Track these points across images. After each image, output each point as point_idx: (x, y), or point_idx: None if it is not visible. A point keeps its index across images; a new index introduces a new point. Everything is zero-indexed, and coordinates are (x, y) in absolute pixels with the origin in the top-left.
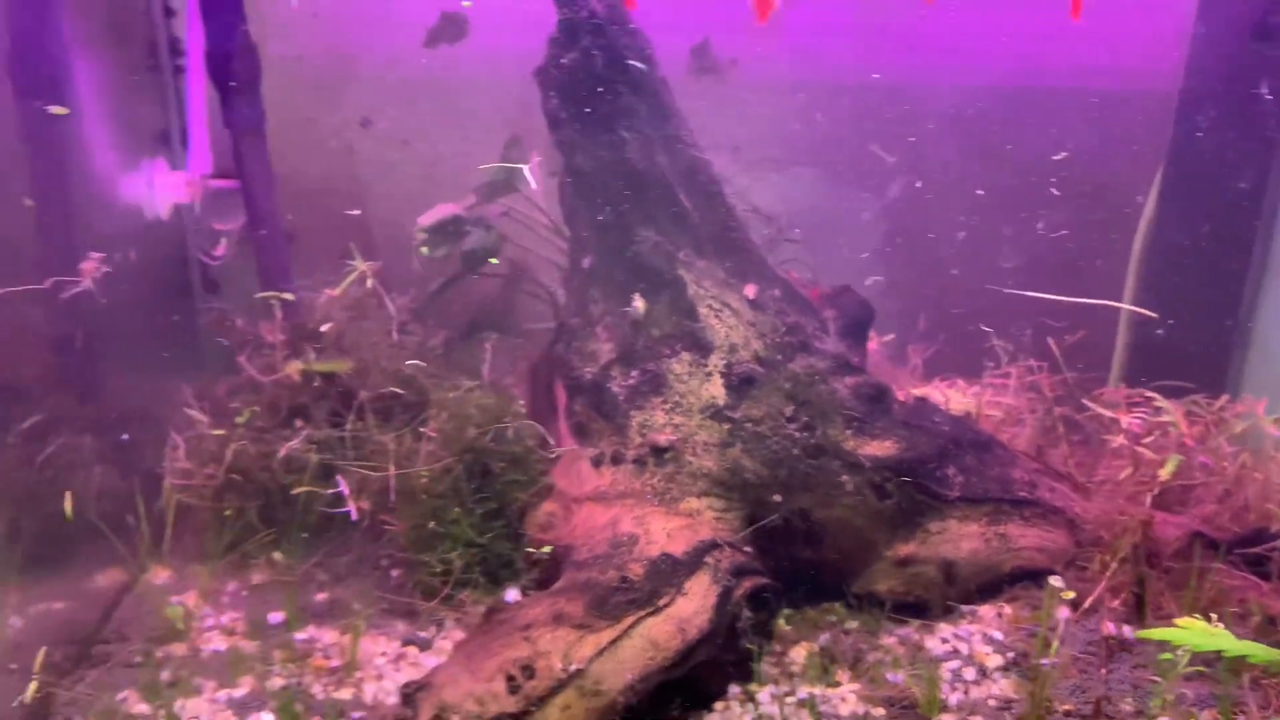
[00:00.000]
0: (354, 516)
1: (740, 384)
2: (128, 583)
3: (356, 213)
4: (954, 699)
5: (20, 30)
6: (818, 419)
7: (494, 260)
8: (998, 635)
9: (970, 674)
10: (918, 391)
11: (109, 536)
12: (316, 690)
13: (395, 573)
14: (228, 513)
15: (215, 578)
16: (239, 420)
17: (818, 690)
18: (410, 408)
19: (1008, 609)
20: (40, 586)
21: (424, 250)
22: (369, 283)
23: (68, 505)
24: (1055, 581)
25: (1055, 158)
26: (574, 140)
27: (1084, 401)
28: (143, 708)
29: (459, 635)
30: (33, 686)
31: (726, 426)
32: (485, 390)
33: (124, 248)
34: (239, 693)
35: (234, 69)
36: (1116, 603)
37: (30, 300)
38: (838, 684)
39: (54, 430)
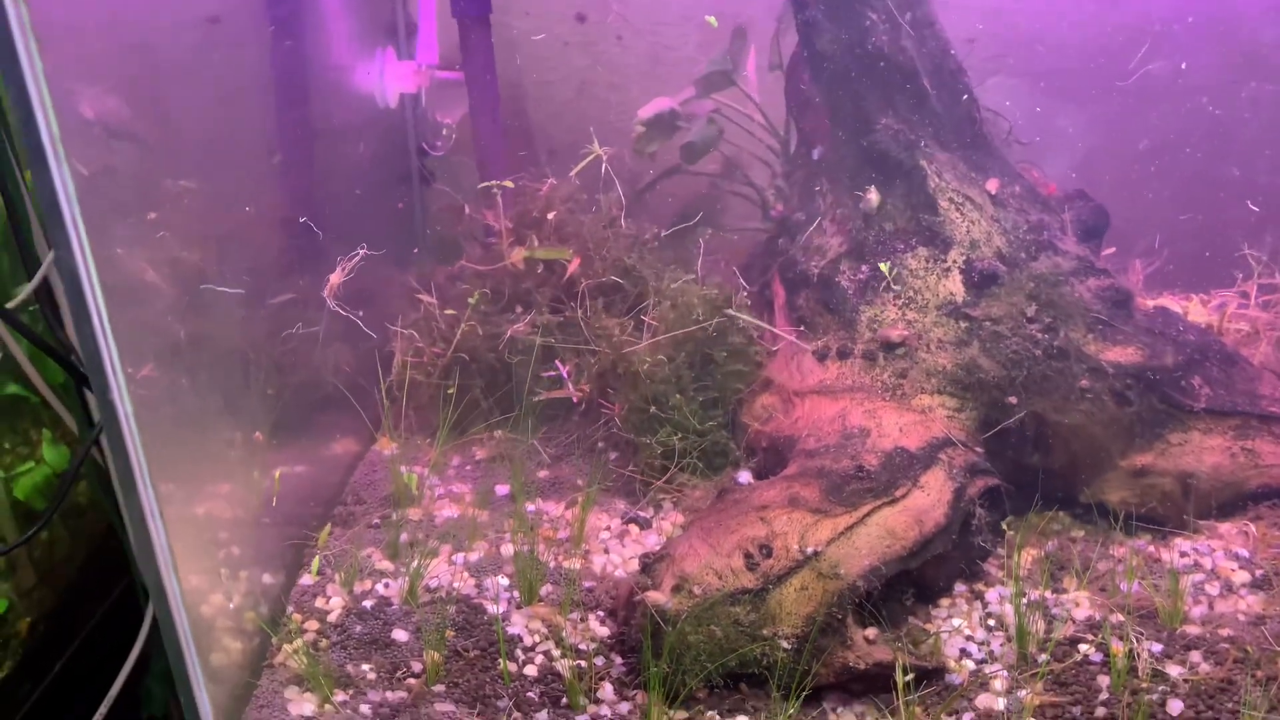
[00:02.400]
0: (575, 399)
1: (981, 281)
2: (360, 452)
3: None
4: (1197, 612)
5: None
6: (1060, 321)
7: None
8: (1243, 552)
9: (1214, 589)
10: (1153, 302)
11: (354, 405)
12: (547, 559)
13: (613, 455)
14: (451, 390)
15: (442, 451)
16: (471, 302)
17: (1048, 594)
18: (629, 297)
19: (1252, 527)
20: (286, 450)
21: (642, 144)
22: (603, 168)
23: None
24: None
25: None
26: (817, 21)
27: None
28: (386, 565)
29: (677, 517)
30: (325, 531)
31: (964, 324)
32: (703, 283)
33: (355, 138)
34: (474, 557)
35: None
36: None
37: (270, 187)
38: (1066, 590)
39: (294, 307)
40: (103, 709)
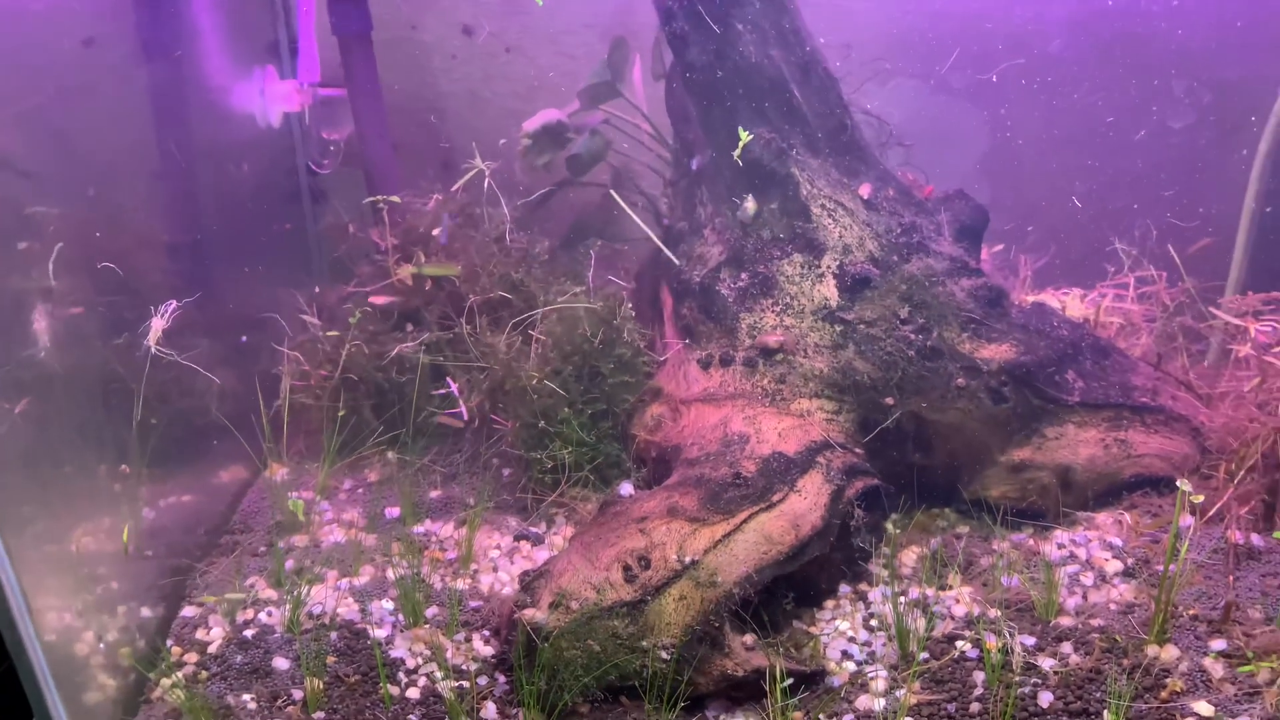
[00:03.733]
0: (465, 417)
1: (854, 285)
2: (249, 479)
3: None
4: (1072, 603)
5: None
6: (934, 321)
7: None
8: (1116, 542)
9: (1088, 579)
10: (1032, 298)
11: (234, 434)
12: (434, 581)
13: (506, 471)
14: (342, 413)
15: (332, 475)
16: (351, 321)
17: (930, 591)
18: (518, 312)
19: (1127, 516)
20: (170, 480)
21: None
22: (486, 184)
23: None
24: (1183, 485)
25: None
26: (686, 33)
27: (1209, 310)
28: (270, 593)
29: (569, 531)
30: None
31: (839, 328)
32: (593, 295)
33: (237, 158)
34: (360, 581)
35: None
36: (1244, 511)
37: (150, 209)
38: (949, 586)
39: (176, 333)
40: None
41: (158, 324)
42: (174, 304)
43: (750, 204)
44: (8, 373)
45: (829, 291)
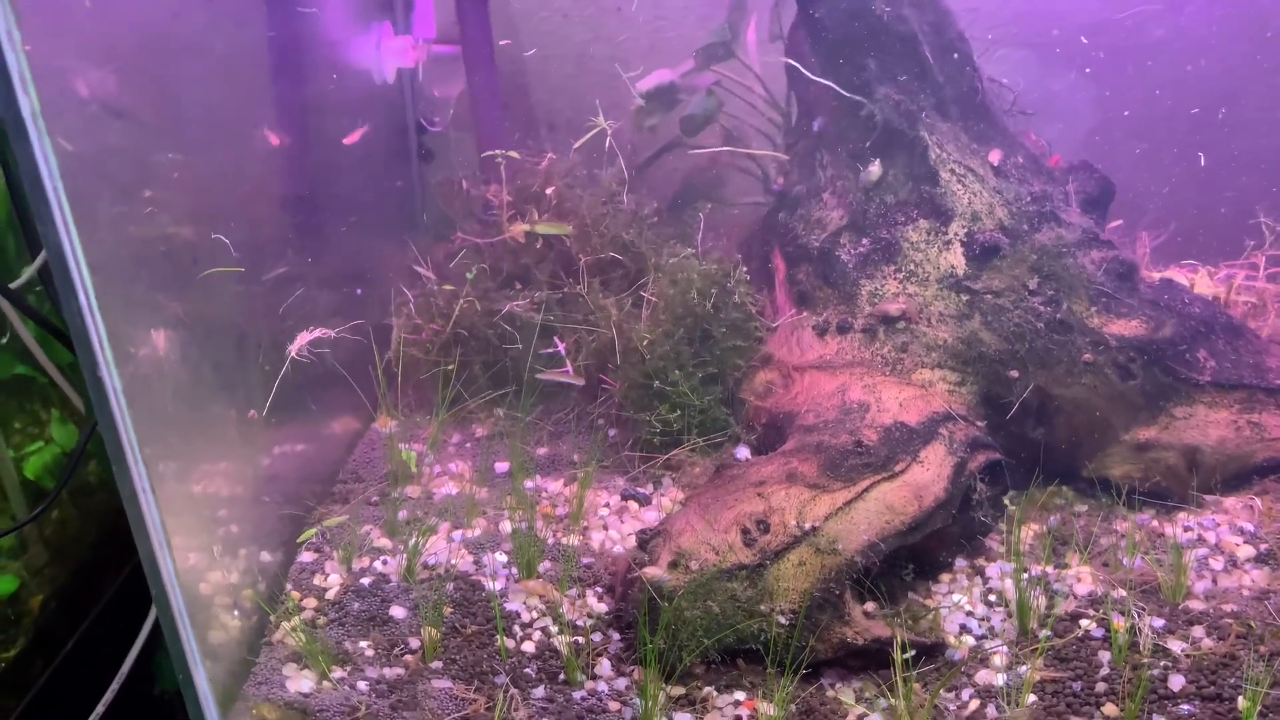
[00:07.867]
0: (569, 374)
1: (982, 254)
2: (361, 429)
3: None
4: (1200, 587)
5: None
6: (1063, 293)
7: None
8: (1248, 526)
9: (1218, 563)
10: (1160, 274)
11: (348, 384)
12: (546, 536)
13: (613, 431)
14: (452, 367)
15: (441, 428)
16: (468, 276)
17: (1050, 569)
18: (628, 273)
19: (1258, 501)
20: (284, 428)
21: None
22: (607, 142)
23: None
24: None
25: None
26: None
27: None
28: (385, 542)
29: (676, 493)
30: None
31: (965, 298)
32: (703, 258)
33: (352, 113)
34: (473, 534)
35: None
36: None
37: (267, 163)
38: (1068, 565)
39: (292, 283)
40: (115, 684)
41: (304, 337)
42: (314, 333)
43: (875, 167)
44: (153, 317)
45: (956, 259)
